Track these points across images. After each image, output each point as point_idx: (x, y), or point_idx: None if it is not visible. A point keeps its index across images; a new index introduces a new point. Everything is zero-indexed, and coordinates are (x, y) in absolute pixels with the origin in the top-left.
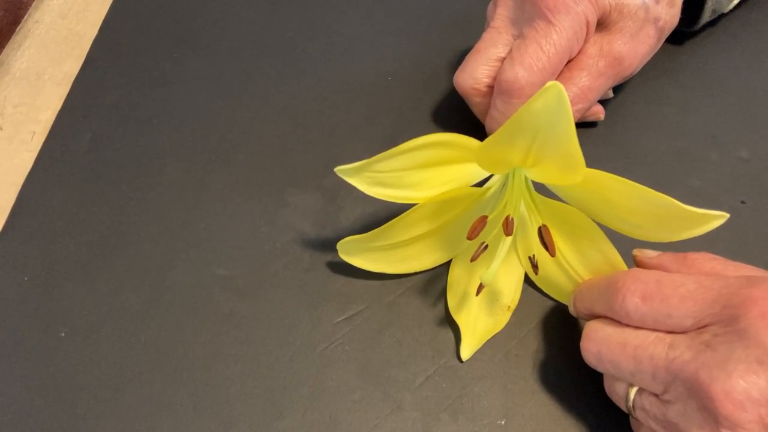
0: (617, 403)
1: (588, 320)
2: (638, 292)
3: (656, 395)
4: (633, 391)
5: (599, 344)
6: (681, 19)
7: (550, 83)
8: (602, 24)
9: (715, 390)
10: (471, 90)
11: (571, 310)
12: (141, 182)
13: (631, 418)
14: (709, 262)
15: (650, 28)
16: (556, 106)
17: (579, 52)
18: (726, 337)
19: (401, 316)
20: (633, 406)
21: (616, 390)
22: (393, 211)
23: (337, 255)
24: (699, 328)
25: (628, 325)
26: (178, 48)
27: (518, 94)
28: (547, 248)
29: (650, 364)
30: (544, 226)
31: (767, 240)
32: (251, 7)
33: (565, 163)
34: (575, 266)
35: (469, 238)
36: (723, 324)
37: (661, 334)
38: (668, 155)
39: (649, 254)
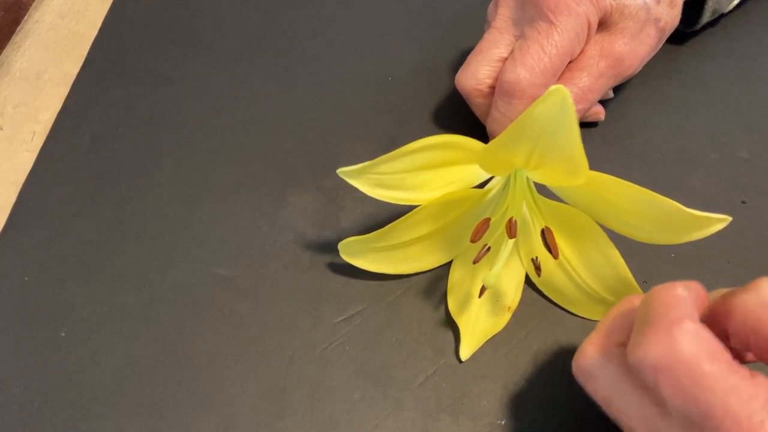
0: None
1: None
2: (664, 362)
3: None
4: None
5: (593, 380)
6: (681, 20)
7: (553, 87)
8: (603, 24)
9: None
10: (473, 90)
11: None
12: (141, 182)
13: None
14: None
15: (651, 28)
16: (559, 111)
17: (580, 53)
18: None
19: (401, 316)
20: None
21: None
22: (393, 211)
23: (337, 255)
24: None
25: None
26: (178, 48)
27: (520, 95)
28: (550, 250)
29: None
30: (548, 228)
31: (767, 240)
32: (251, 7)
33: (568, 166)
34: (577, 268)
35: (473, 240)
36: None
37: (650, 415)
38: (668, 155)
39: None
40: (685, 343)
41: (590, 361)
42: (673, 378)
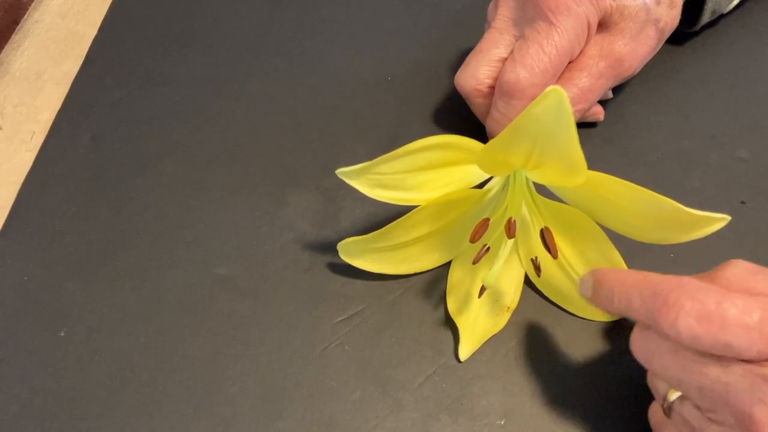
0: (654, 395)
1: (610, 312)
2: (694, 312)
3: (699, 408)
4: (674, 395)
5: (650, 344)
6: (681, 20)
7: (550, 88)
8: (603, 25)
9: None
10: (472, 91)
11: (584, 293)
12: (141, 182)
13: (652, 413)
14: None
15: (651, 29)
16: (556, 111)
17: (580, 53)
18: None
19: (401, 316)
20: (670, 407)
21: (656, 386)
22: (393, 211)
23: (337, 255)
24: (762, 360)
25: None
26: (178, 48)
27: (520, 95)
28: (549, 250)
29: (699, 381)
30: (547, 228)
31: (767, 240)
32: (251, 7)
33: (567, 167)
34: (576, 268)
35: (472, 241)
36: None
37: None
38: (668, 155)
39: None
40: (692, 288)
41: (642, 342)
42: (716, 325)
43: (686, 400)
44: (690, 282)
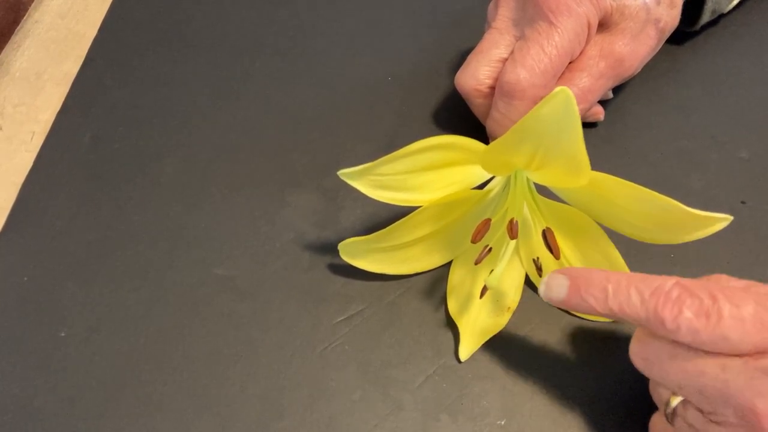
0: (657, 403)
1: (590, 313)
2: (694, 307)
3: (701, 410)
4: (676, 401)
5: (648, 350)
6: (681, 20)
7: (558, 89)
8: (603, 25)
9: None
10: (473, 91)
11: (553, 295)
12: (141, 182)
13: (653, 424)
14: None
15: (651, 29)
16: (563, 111)
17: (580, 53)
18: None
19: (401, 316)
20: (673, 413)
21: (658, 392)
22: (393, 211)
23: (338, 255)
24: (756, 353)
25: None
26: (178, 48)
27: (520, 96)
28: (551, 251)
29: (699, 381)
30: (548, 229)
31: (767, 240)
32: (251, 7)
33: (571, 168)
34: None
35: (473, 241)
36: None
37: (713, 354)
38: (668, 155)
39: None
40: (689, 284)
41: (640, 351)
42: (714, 320)
43: (689, 404)
44: (684, 280)
